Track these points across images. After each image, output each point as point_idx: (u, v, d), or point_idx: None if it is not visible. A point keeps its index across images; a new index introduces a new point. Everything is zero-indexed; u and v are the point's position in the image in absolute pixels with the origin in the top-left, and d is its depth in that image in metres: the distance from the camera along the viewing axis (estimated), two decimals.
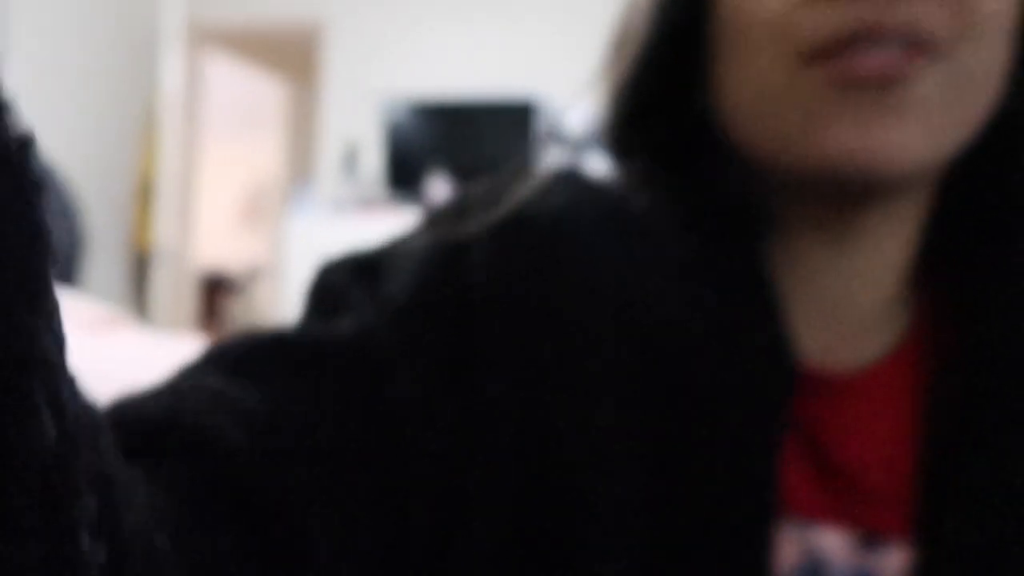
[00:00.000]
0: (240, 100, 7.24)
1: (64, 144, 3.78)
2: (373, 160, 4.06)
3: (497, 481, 0.36)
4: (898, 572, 0.37)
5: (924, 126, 0.35)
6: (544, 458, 0.36)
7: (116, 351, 1.13)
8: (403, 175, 3.93)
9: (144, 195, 4.19)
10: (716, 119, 0.39)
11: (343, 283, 0.40)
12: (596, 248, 0.39)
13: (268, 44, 5.19)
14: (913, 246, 0.40)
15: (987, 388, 0.39)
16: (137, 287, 4.33)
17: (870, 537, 0.38)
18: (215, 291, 7.74)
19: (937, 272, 0.41)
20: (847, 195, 0.37)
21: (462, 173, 3.71)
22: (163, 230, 3.81)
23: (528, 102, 3.68)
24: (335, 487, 0.33)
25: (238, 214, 9.30)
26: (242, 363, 0.35)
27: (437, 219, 0.43)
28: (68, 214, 2.32)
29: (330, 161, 4.21)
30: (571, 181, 0.43)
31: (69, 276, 2.30)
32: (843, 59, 0.34)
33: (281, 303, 4.36)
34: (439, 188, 3.65)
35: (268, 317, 5.89)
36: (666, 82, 0.41)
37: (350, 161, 3.99)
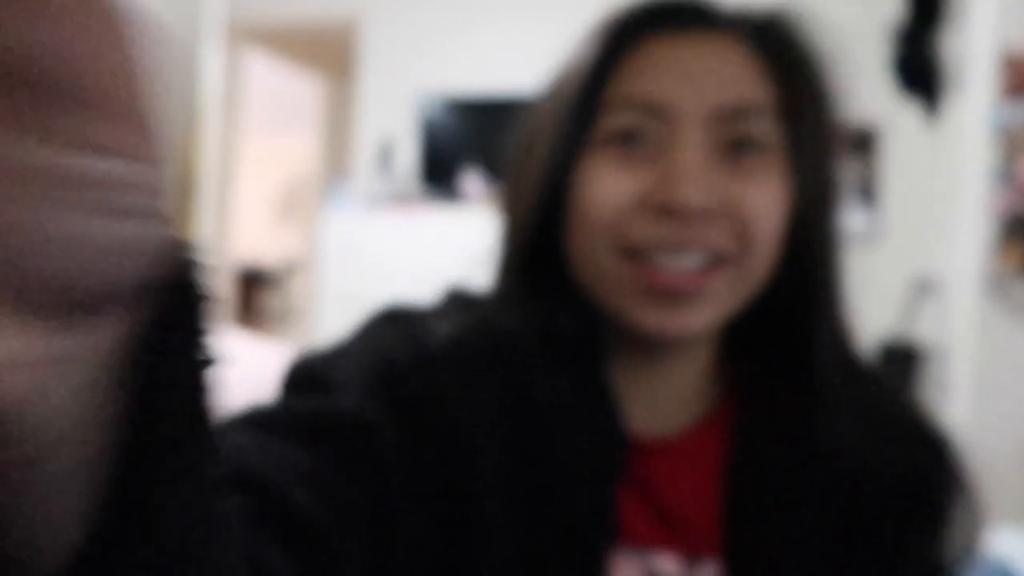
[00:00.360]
0: (277, 97, 7.31)
1: None
2: (408, 156, 4.09)
3: (426, 525, 0.50)
4: None
5: (711, 312, 0.51)
6: (452, 513, 0.50)
7: None
8: (437, 171, 3.96)
9: (183, 190, 4.26)
10: (574, 275, 0.54)
11: (321, 371, 0.51)
12: (482, 367, 0.53)
13: (305, 41, 5.24)
14: (710, 358, 0.57)
15: (763, 449, 0.55)
16: None
17: (692, 557, 0.54)
18: (252, 285, 7.83)
19: (730, 368, 0.59)
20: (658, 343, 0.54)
21: (496, 169, 3.72)
22: (201, 225, 3.87)
23: None
24: (357, 521, 0.45)
25: (275, 209, 9.40)
26: (281, 427, 0.46)
27: (371, 332, 0.55)
28: None
29: (365, 157, 4.24)
30: (467, 309, 0.58)
31: None
32: (652, 261, 0.49)
33: (316, 297, 4.41)
34: (473, 184, 3.66)
35: (303, 311, 5.95)
36: (539, 247, 0.55)
37: (385, 157, 4.02)
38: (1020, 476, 1.93)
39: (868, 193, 3.46)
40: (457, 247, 3.46)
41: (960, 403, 2.02)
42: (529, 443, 0.52)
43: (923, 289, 2.73)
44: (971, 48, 2.13)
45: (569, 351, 0.54)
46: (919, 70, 2.74)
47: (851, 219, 3.49)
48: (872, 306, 3.41)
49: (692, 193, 0.48)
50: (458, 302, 0.60)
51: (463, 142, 3.93)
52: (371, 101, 4.27)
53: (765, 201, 0.50)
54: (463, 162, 3.79)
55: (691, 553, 0.53)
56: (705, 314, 0.51)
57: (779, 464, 0.54)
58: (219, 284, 4.20)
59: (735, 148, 0.50)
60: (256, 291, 7.91)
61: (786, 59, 0.53)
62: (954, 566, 0.57)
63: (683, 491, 0.55)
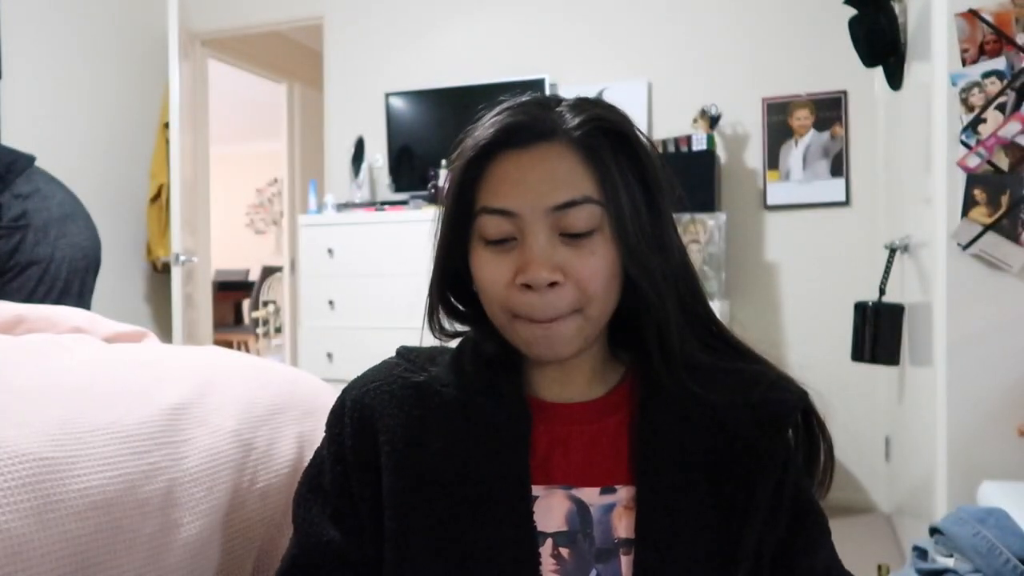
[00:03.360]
0: (248, 105, 7.26)
1: (80, 159, 3.82)
2: (380, 157, 4.08)
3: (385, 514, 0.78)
4: (627, 499, 0.76)
5: (570, 343, 0.75)
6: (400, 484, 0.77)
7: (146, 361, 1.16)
8: (409, 169, 3.95)
9: (159, 203, 4.23)
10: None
11: (317, 479, 0.84)
12: (402, 401, 0.80)
13: (272, 49, 5.21)
14: (600, 352, 0.82)
15: (656, 406, 0.79)
16: (156, 294, 4.38)
17: (607, 488, 0.77)
18: (232, 293, 7.79)
19: (628, 355, 0.84)
20: None
21: None
22: (178, 237, 3.85)
23: (535, 88, 3.68)
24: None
25: (250, 217, 9.34)
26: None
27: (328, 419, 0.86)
28: (89, 240, 2.37)
29: (339, 160, 4.23)
30: (403, 357, 0.86)
31: (84, 296, 2.34)
32: (528, 321, 0.74)
33: (295, 301, 4.39)
34: (446, 181, 3.66)
35: (283, 315, 5.93)
36: (460, 294, 0.84)
37: (357, 159, 4.01)
38: (1003, 432, 1.97)
39: (839, 161, 3.49)
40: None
41: (941, 359, 2.05)
42: (462, 426, 0.78)
43: (899, 249, 2.76)
44: (932, 10, 2.15)
45: (497, 363, 0.81)
46: (879, 37, 2.76)
47: (824, 187, 3.52)
48: (850, 269, 3.44)
49: (539, 275, 0.72)
50: (401, 358, 0.86)
51: (434, 139, 3.92)
52: (341, 104, 4.25)
53: (594, 267, 0.73)
54: (435, 158, 3.79)
55: (606, 485, 0.77)
56: (572, 342, 0.75)
57: (668, 415, 0.78)
58: (199, 294, 4.18)
59: (566, 231, 0.73)
60: (235, 299, 7.87)
61: (600, 160, 0.74)
62: (810, 488, 0.81)
63: (601, 440, 0.79)
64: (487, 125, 0.76)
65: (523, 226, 0.73)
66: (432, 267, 0.81)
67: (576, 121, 0.75)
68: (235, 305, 7.92)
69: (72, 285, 2.23)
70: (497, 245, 0.74)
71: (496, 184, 0.74)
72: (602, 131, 0.75)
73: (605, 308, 0.76)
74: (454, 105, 3.89)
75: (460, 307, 0.84)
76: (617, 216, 0.73)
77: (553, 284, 0.72)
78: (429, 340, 0.86)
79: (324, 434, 0.84)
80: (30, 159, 2.36)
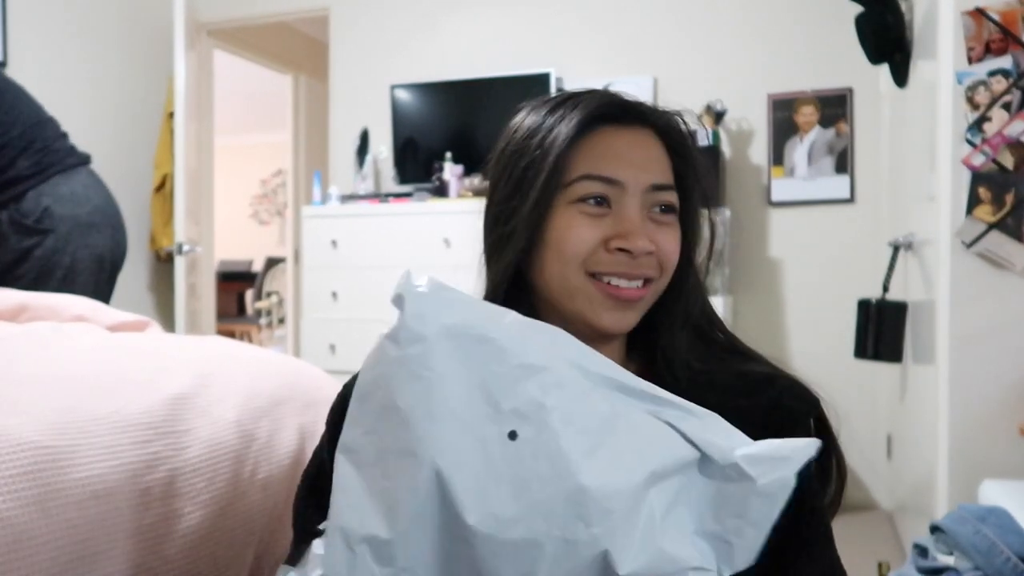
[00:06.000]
0: (253, 96, 7.25)
1: (84, 148, 3.81)
2: (385, 149, 4.08)
3: None
4: None
5: (637, 312, 0.81)
6: None
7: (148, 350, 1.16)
8: (414, 162, 3.94)
9: (164, 192, 4.23)
10: (536, 287, 0.83)
11: (319, 465, 0.84)
12: None
13: (278, 40, 5.20)
14: (623, 347, 0.85)
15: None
16: (159, 284, 4.38)
17: None
18: (235, 284, 7.80)
19: (641, 347, 0.86)
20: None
21: (472, 159, 3.71)
22: (182, 226, 3.85)
23: (542, 85, 3.67)
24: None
25: (254, 207, 9.34)
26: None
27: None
28: (111, 248, 2.37)
29: (343, 152, 4.22)
30: None
31: (113, 282, 2.35)
32: (608, 281, 0.79)
33: (299, 293, 4.40)
34: (451, 174, 3.66)
35: (286, 306, 5.93)
36: (512, 268, 0.83)
37: (362, 151, 4.01)
38: (1004, 430, 1.97)
39: (843, 157, 3.48)
40: (439, 237, 3.46)
41: (943, 357, 2.05)
42: None
43: (902, 247, 2.75)
44: (939, 8, 2.14)
45: None
46: (885, 34, 2.75)
47: (829, 184, 3.51)
48: (854, 266, 3.44)
49: (641, 243, 0.77)
50: None
51: (438, 130, 3.91)
52: (346, 96, 4.25)
53: (673, 244, 0.80)
54: (440, 151, 3.78)
55: None
56: (636, 315, 0.80)
57: None
58: (202, 284, 4.18)
59: (656, 208, 0.80)
60: (238, 290, 7.87)
61: (679, 152, 0.83)
62: (818, 493, 0.83)
63: None
64: (588, 100, 0.81)
65: (623, 197, 0.79)
66: (506, 235, 0.81)
67: (658, 114, 0.83)
68: (238, 296, 7.92)
69: (87, 290, 2.23)
70: (593, 207, 0.79)
71: (600, 153, 0.79)
72: (678, 128, 0.84)
73: (665, 287, 0.82)
74: (459, 98, 3.88)
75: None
76: (685, 206, 0.82)
77: (650, 253, 0.79)
78: None
79: (324, 430, 0.83)
80: (82, 159, 2.33)
